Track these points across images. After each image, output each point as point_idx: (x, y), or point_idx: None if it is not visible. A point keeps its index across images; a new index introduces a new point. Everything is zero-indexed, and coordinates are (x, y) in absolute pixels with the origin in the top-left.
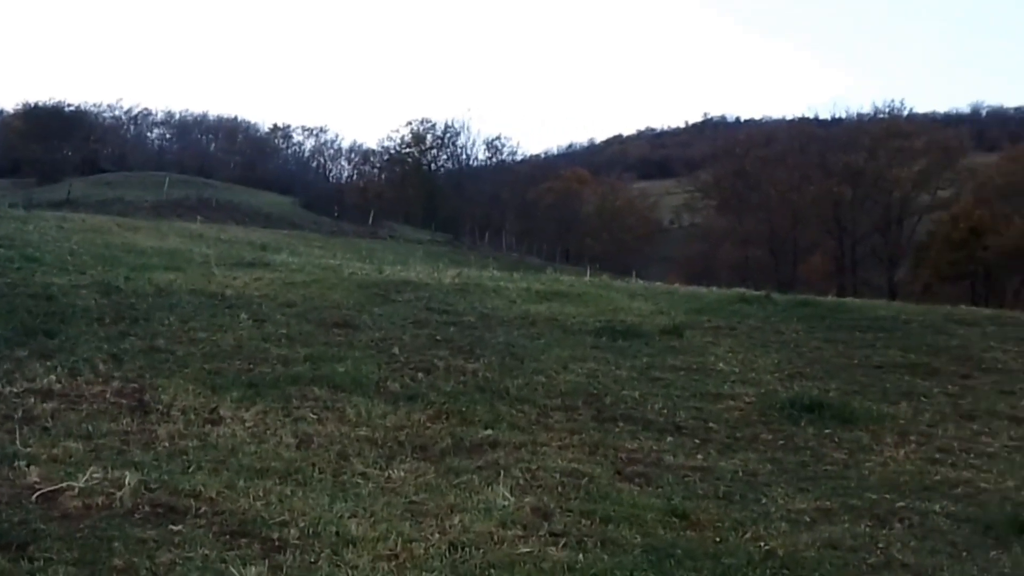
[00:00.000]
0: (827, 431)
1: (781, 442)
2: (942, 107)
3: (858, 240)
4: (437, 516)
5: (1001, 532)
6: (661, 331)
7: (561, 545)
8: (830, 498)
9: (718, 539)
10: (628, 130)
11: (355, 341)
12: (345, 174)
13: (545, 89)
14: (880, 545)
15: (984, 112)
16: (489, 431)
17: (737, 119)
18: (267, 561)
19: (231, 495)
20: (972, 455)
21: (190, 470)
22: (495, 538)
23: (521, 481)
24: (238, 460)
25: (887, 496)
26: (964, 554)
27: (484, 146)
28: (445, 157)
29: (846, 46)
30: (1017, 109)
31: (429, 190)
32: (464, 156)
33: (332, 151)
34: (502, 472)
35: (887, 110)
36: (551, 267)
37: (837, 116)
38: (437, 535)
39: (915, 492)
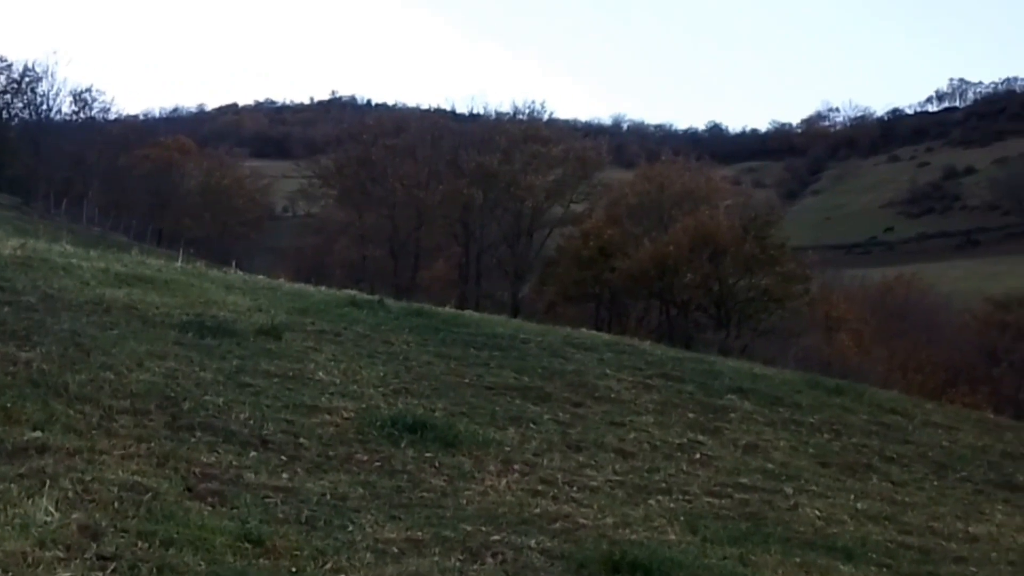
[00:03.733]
0: (428, 454)
1: (377, 464)
2: (584, 115)
3: (485, 249)
4: None
5: (594, 570)
6: (257, 331)
7: (110, 570)
8: (423, 528)
9: (295, 569)
10: (245, 100)
11: None
12: None
13: (151, 41)
14: None
15: (625, 126)
16: (38, 433)
17: (368, 102)
18: None
19: None
20: (575, 488)
21: None
22: (29, 560)
23: (71, 494)
24: None
25: (483, 528)
26: None
27: (71, 98)
28: (21, 105)
29: (492, 39)
30: (657, 127)
31: None
32: (45, 107)
33: None
34: (48, 482)
35: (527, 111)
36: (139, 247)
37: (475, 112)
38: None
39: (512, 525)
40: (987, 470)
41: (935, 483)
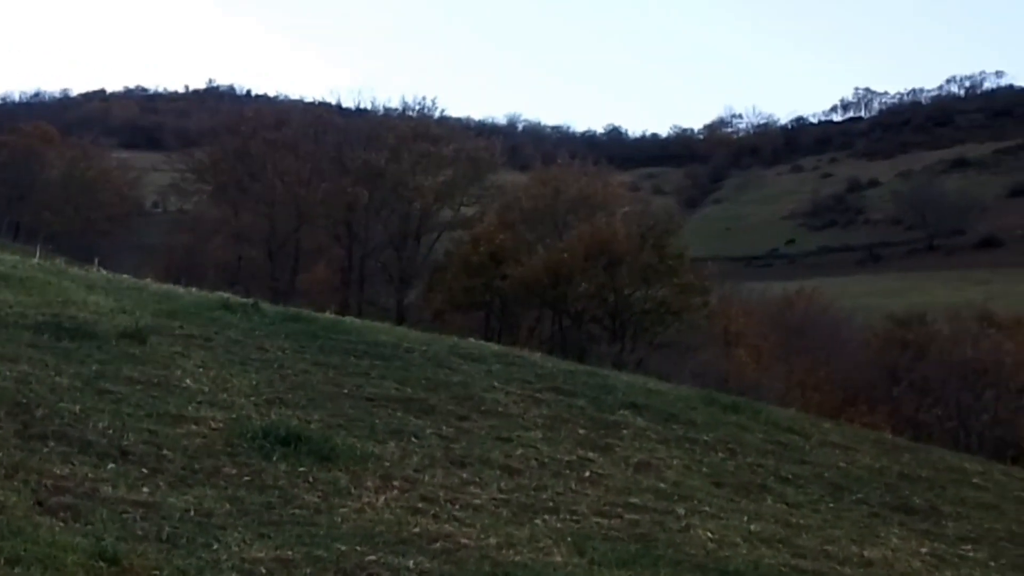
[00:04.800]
0: (302, 469)
1: (247, 478)
2: (477, 114)
3: (370, 252)
4: None
5: None
6: (120, 334)
7: None
8: (294, 547)
9: None
10: (114, 86)
11: None
12: None
13: (11, 17)
14: None
15: (520, 126)
16: None
17: (248, 92)
18: None
19: None
20: (457, 506)
21: None
22: None
23: None
24: None
25: (358, 548)
26: None
27: None
28: None
29: (382, 30)
30: (554, 128)
31: None
32: None
33: None
34: None
35: (417, 107)
36: None
37: (362, 106)
38: None
39: (390, 545)
40: (884, 492)
41: (831, 505)
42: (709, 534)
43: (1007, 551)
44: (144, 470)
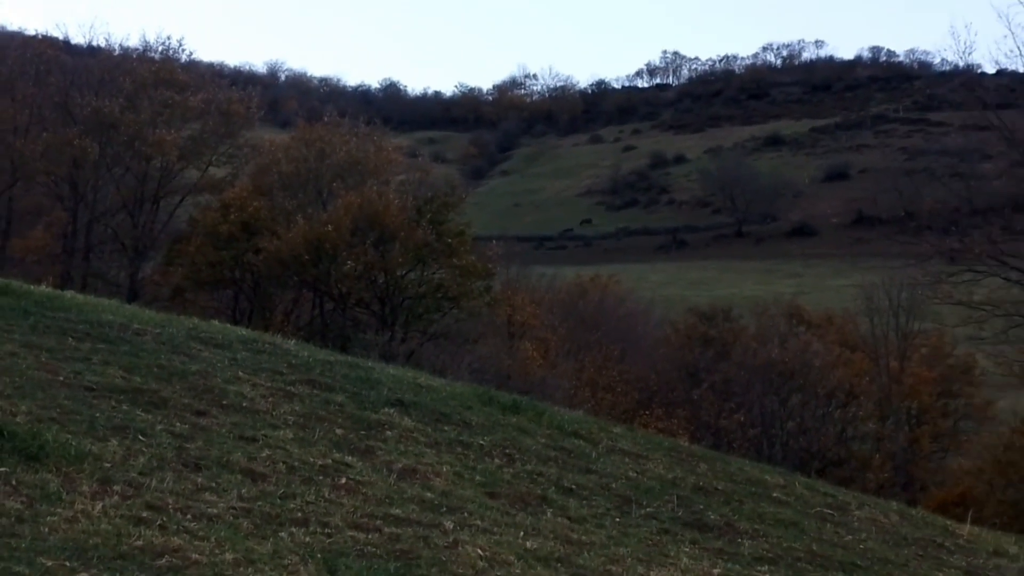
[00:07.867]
0: (3, 469)
1: None
2: (232, 60)
3: (98, 216)
4: None
5: None
6: None
7: None
8: None
9: None
10: None
11: None
12: None
13: None
14: None
15: (283, 77)
16: None
17: None
18: None
19: None
20: (189, 516)
21: None
22: None
23: None
24: None
25: (68, 564)
26: None
27: None
28: None
29: None
30: (322, 80)
31: None
32: None
33: None
34: None
35: (160, 48)
36: None
37: (94, 43)
38: None
39: (106, 560)
40: (676, 506)
41: (617, 520)
42: (479, 551)
43: (806, 573)
44: None
